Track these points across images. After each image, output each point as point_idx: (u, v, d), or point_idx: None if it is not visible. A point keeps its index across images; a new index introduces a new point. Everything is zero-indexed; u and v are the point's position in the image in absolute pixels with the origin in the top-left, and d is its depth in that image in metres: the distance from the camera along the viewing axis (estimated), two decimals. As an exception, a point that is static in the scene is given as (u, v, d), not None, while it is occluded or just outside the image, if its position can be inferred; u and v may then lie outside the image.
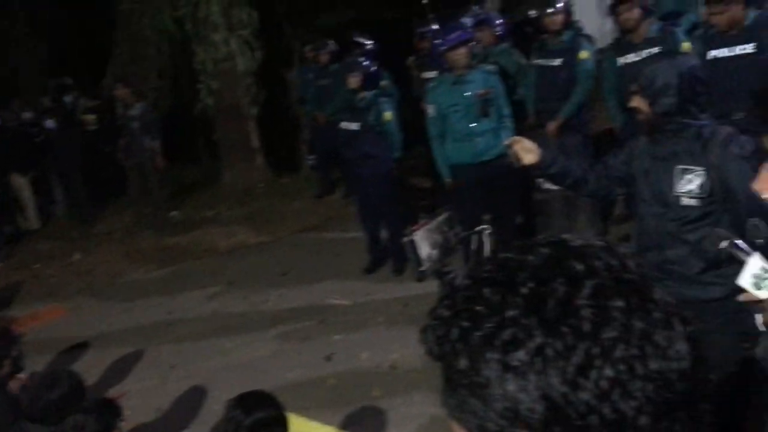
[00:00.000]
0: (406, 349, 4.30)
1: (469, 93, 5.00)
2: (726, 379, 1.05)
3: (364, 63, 5.75)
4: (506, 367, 0.62)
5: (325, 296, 5.69)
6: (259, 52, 9.11)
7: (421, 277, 5.08)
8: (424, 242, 1.66)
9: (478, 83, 5.03)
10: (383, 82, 6.35)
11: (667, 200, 2.71)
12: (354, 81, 5.60)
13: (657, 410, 0.60)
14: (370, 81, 5.69)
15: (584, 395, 0.60)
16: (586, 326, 0.61)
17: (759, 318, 1.93)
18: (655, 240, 2.77)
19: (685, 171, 2.66)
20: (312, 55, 8.29)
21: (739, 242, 1.84)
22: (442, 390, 0.70)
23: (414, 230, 1.65)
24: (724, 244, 1.85)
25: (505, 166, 5.10)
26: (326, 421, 3.81)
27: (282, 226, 7.87)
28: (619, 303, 0.62)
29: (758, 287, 1.71)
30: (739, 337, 2.51)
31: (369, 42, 7.32)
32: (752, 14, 4.38)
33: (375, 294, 5.50)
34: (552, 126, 5.35)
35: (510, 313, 0.63)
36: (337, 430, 3.76)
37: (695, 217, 2.66)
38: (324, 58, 7.93)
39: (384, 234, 5.88)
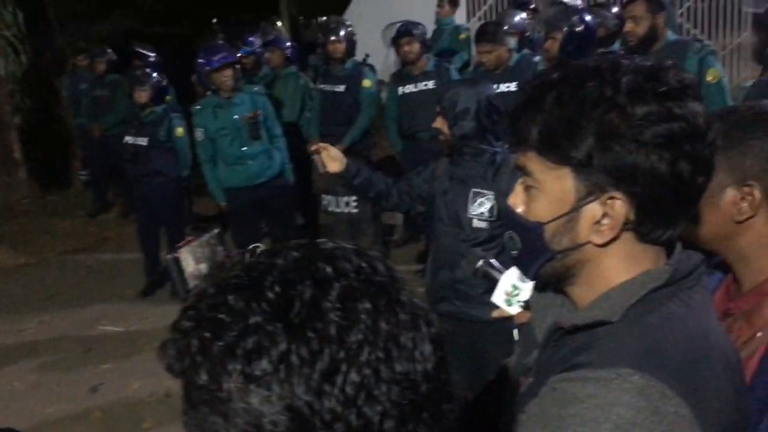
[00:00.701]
0: (183, 375, 4.07)
1: (237, 116, 4.90)
2: (486, 389, 1.10)
3: (154, 76, 5.45)
4: (249, 378, 0.58)
5: (95, 322, 5.25)
6: (25, 56, 8.28)
7: (185, 297, 4.85)
8: (189, 258, 1.56)
9: (246, 106, 4.94)
10: (168, 97, 6.09)
11: (461, 221, 2.81)
12: (144, 95, 5.30)
13: (402, 413, 0.59)
14: (158, 95, 5.41)
15: (330, 403, 0.57)
16: (333, 330, 0.58)
17: (515, 331, 2.04)
18: (448, 259, 2.86)
19: (478, 194, 2.78)
20: (86, 63, 7.71)
21: (493, 261, 1.94)
22: (183, 410, 0.64)
23: (178, 247, 1.55)
24: (479, 263, 1.94)
25: (280, 187, 5.16)
26: (89, 459, 3.49)
27: (48, 247, 7.15)
28: (367, 305, 0.60)
29: (509, 303, 1.81)
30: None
31: (152, 54, 6.99)
32: (517, 56, 4.86)
33: (151, 318, 5.18)
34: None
35: (254, 319, 0.59)
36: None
37: (484, 239, 2.79)
38: (100, 66, 7.41)
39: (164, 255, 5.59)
